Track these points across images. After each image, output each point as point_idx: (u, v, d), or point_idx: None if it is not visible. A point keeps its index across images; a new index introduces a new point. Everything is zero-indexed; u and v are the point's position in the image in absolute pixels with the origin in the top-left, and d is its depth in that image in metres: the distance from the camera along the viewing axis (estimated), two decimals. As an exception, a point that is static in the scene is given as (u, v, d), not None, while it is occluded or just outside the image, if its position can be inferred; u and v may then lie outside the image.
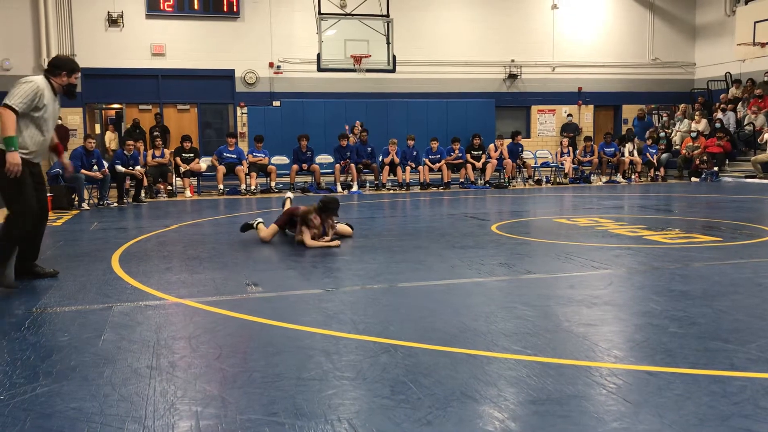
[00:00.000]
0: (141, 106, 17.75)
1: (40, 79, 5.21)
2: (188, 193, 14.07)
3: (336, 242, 6.86)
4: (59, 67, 5.35)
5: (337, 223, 7.22)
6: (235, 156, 14.65)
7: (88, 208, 11.53)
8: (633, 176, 17.07)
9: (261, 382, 3.00)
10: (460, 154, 15.83)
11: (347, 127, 16.19)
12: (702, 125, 18.06)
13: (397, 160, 15.34)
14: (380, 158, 15.51)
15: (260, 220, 7.67)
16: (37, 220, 5.31)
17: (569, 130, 19.37)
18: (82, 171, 11.72)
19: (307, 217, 6.89)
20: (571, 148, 16.90)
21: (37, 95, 5.09)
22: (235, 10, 17.66)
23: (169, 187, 14.07)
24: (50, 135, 5.45)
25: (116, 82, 17.26)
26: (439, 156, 15.62)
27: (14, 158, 4.96)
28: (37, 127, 5.20)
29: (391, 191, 14.84)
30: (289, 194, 8.83)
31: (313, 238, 6.83)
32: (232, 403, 2.78)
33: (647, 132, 18.59)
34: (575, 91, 20.34)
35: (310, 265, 5.97)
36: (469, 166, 15.73)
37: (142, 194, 12.95)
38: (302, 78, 17.99)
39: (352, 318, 4.08)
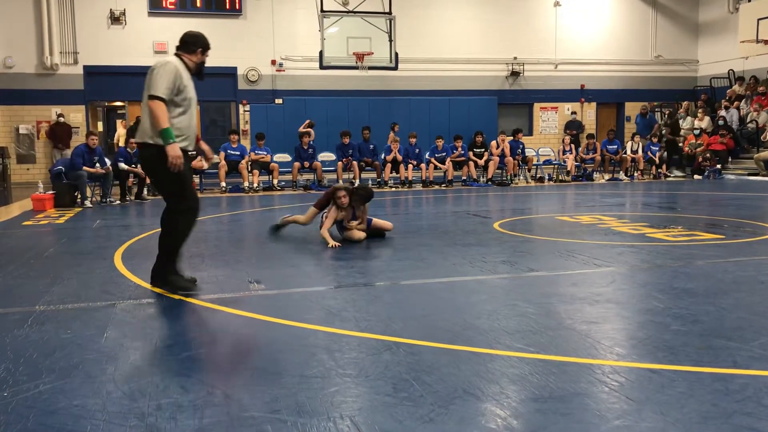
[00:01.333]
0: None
1: (174, 59, 4.82)
2: (191, 190, 14.05)
3: (360, 234, 6.90)
4: (194, 43, 4.98)
5: (375, 218, 7.28)
6: (238, 153, 14.67)
7: (90, 205, 11.54)
8: (636, 174, 17.04)
9: (263, 380, 3.01)
10: (463, 152, 15.83)
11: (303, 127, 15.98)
12: (705, 123, 18.03)
13: (399, 157, 15.34)
14: (382, 156, 15.51)
15: (287, 215, 7.65)
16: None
17: (572, 127, 19.35)
18: (85, 168, 11.73)
19: (336, 192, 6.87)
20: (573, 146, 16.87)
21: (176, 77, 4.68)
22: (237, 7, 17.66)
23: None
24: (195, 118, 4.93)
25: (119, 80, 17.27)
26: (444, 154, 15.62)
27: (175, 150, 4.55)
28: (183, 111, 4.75)
29: (393, 189, 14.83)
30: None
31: (341, 221, 6.89)
32: (234, 401, 2.78)
33: (659, 128, 18.53)
34: (578, 89, 20.31)
35: (313, 263, 5.97)
36: (471, 163, 15.72)
37: (145, 192, 12.96)
38: (304, 75, 17.98)
39: (354, 315, 4.08)
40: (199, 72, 5.08)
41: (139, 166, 12.82)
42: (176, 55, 4.90)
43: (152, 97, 4.58)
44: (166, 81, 4.63)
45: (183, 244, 4.86)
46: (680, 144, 17.73)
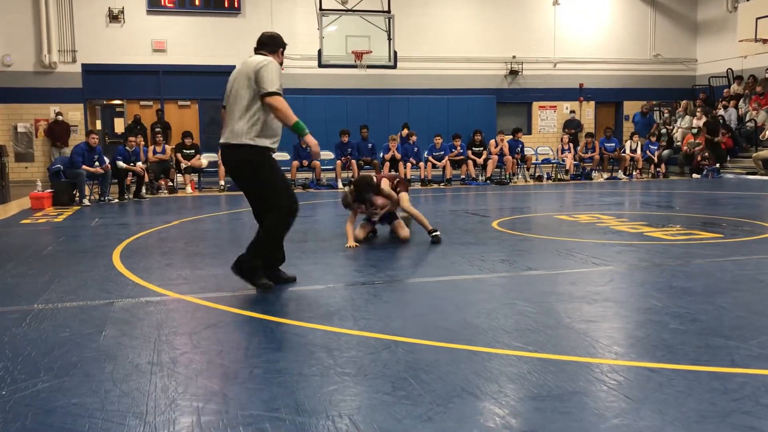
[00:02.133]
0: (142, 102, 17.75)
1: (271, 58, 4.79)
2: (189, 189, 14.08)
3: (405, 232, 6.86)
4: (279, 44, 4.98)
5: (399, 215, 7.10)
6: None
7: (89, 204, 11.54)
8: (634, 173, 17.05)
9: (262, 378, 3.01)
10: (462, 151, 15.83)
11: None
12: (703, 122, 18.02)
13: (398, 155, 15.34)
14: (380, 154, 15.50)
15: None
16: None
17: (571, 126, 19.35)
18: (84, 167, 11.72)
19: (355, 207, 6.83)
20: (572, 145, 16.87)
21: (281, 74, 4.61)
22: (236, 5, 17.64)
23: (170, 184, 14.08)
24: None
25: (117, 78, 17.26)
26: (442, 152, 15.62)
27: (311, 139, 4.72)
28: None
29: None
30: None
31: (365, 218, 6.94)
32: (233, 399, 2.78)
33: (657, 128, 18.49)
34: (576, 88, 20.31)
35: (312, 262, 5.97)
36: (470, 162, 15.73)
37: (143, 190, 12.96)
38: (303, 74, 17.95)
39: (353, 314, 4.08)
40: None
41: (137, 164, 12.83)
42: (259, 53, 4.86)
43: (271, 94, 4.53)
44: (277, 77, 4.59)
45: (278, 243, 4.82)
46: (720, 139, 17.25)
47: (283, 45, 5.06)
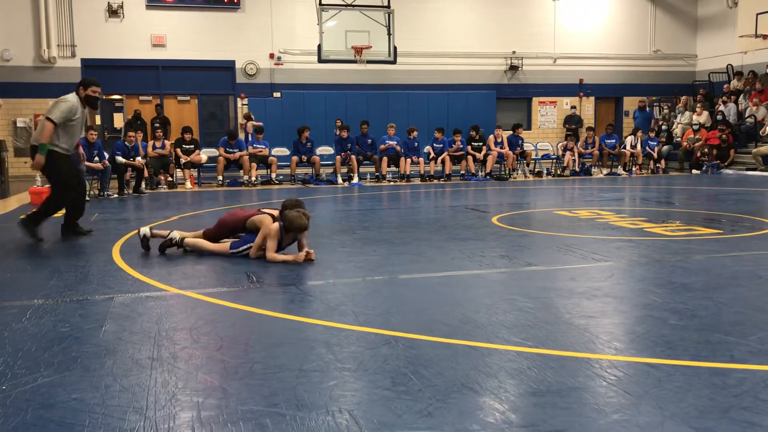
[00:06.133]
0: (141, 97, 17.73)
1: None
2: (189, 184, 14.07)
3: (292, 256, 5.64)
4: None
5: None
6: (263, 146, 14.86)
7: (88, 199, 11.50)
8: (634, 168, 17.05)
9: (262, 374, 3.01)
10: (462, 146, 15.82)
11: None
12: (703, 117, 18.03)
13: (399, 148, 15.33)
14: (379, 146, 15.51)
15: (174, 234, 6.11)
16: None
17: (572, 122, 19.35)
18: (84, 162, 11.71)
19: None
20: (573, 143, 16.82)
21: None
22: (235, 0, 17.61)
23: (170, 179, 14.07)
24: None
25: (116, 73, 17.22)
26: (442, 146, 15.61)
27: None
28: None
29: (392, 183, 14.82)
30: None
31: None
32: (233, 394, 2.78)
33: (657, 123, 18.46)
34: (576, 83, 20.30)
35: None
36: (470, 158, 15.72)
37: (143, 185, 12.95)
38: (303, 69, 17.95)
39: (353, 309, 4.08)
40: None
41: (137, 159, 12.81)
42: None
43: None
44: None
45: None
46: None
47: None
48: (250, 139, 15.67)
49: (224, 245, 5.92)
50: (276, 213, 5.90)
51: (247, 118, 16.34)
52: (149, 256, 5.97)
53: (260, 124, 15.74)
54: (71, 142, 7.04)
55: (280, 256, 5.60)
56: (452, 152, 15.61)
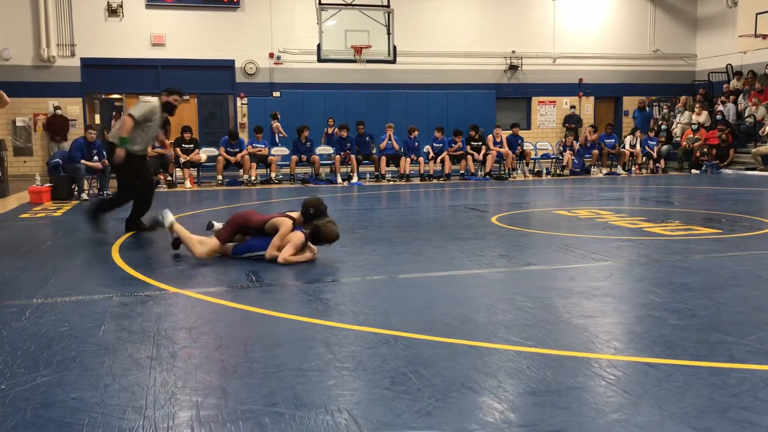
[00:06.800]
0: (141, 97, 17.69)
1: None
2: (188, 183, 14.06)
3: (304, 256, 5.60)
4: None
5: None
6: (263, 145, 14.85)
7: (87, 198, 11.52)
8: (633, 168, 17.05)
9: (261, 373, 3.01)
10: (462, 146, 15.81)
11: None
12: (703, 117, 18.02)
13: (397, 146, 15.32)
14: (378, 146, 15.50)
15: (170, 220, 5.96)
16: None
17: (572, 121, 19.34)
18: (83, 161, 11.71)
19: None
20: (574, 141, 16.81)
21: None
22: (235, 0, 17.60)
23: (169, 178, 14.06)
24: None
25: (116, 72, 17.23)
26: (441, 145, 15.61)
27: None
28: None
29: (391, 183, 14.82)
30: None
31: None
32: (232, 394, 2.78)
33: (656, 123, 18.43)
34: (576, 83, 20.29)
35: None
36: (469, 157, 15.71)
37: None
38: (302, 69, 17.94)
39: (352, 309, 4.08)
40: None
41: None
42: None
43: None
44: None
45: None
46: None
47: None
48: (277, 139, 15.67)
49: (212, 240, 5.66)
50: (297, 216, 5.69)
51: (274, 117, 16.23)
52: (148, 255, 5.97)
53: (284, 135, 15.86)
54: (145, 144, 7.42)
55: (294, 258, 5.50)
56: (452, 152, 15.60)
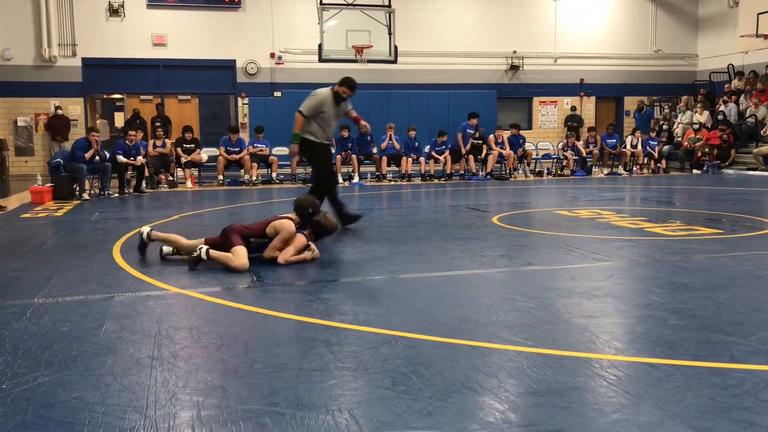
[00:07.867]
0: (142, 96, 17.72)
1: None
2: (189, 183, 14.07)
3: (303, 255, 5.57)
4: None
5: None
6: (237, 149, 14.76)
7: (88, 198, 11.53)
8: (634, 168, 17.04)
9: (262, 373, 3.01)
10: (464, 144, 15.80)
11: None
12: (704, 117, 18.01)
13: (397, 146, 15.32)
14: (379, 146, 15.49)
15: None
16: None
17: (573, 121, 19.33)
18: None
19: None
20: (575, 141, 16.79)
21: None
22: (236, 0, 17.60)
23: (170, 178, 14.07)
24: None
25: (117, 72, 17.23)
26: (444, 147, 15.61)
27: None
28: None
29: (392, 183, 14.82)
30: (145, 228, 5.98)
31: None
32: (233, 394, 2.78)
33: (657, 123, 18.42)
34: (577, 83, 20.28)
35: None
36: (470, 157, 15.71)
37: (143, 185, 12.94)
38: (303, 68, 17.92)
39: (353, 309, 4.08)
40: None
41: (137, 158, 12.81)
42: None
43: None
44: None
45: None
46: None
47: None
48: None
49: (238, 248, 5.40)
50: (293, 217, 5.66)
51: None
52: (149, 255, 5.96)
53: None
54: (325, 133, 7.69)
55: (294, 258, 5.49)
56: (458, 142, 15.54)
